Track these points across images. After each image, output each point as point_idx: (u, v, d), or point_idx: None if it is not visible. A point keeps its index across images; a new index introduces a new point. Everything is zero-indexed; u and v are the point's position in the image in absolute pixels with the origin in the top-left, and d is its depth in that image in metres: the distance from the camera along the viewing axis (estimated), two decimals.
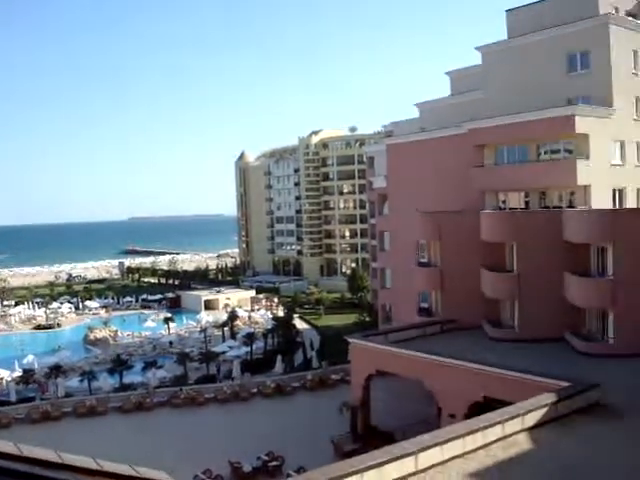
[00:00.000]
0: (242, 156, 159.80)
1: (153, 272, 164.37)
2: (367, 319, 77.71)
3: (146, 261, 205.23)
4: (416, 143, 54.81)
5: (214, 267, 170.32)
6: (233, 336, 77.23)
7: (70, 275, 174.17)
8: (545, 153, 45.66)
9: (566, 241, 38.13)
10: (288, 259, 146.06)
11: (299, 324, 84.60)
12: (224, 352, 67.91)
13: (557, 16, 46.84)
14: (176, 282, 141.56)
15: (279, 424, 45.43)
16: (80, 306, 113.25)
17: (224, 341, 74.82)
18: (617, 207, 43.59)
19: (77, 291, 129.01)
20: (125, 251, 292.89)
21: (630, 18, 47.22)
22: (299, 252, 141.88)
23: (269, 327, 76.92)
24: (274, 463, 37.49)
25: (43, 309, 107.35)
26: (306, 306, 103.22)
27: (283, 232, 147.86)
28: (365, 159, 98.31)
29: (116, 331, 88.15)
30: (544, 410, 22.49)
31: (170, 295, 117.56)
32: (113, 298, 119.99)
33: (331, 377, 55.43)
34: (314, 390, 53.82)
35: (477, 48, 52.55)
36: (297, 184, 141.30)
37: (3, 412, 48.60)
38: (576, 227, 37.90)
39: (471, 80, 55.40)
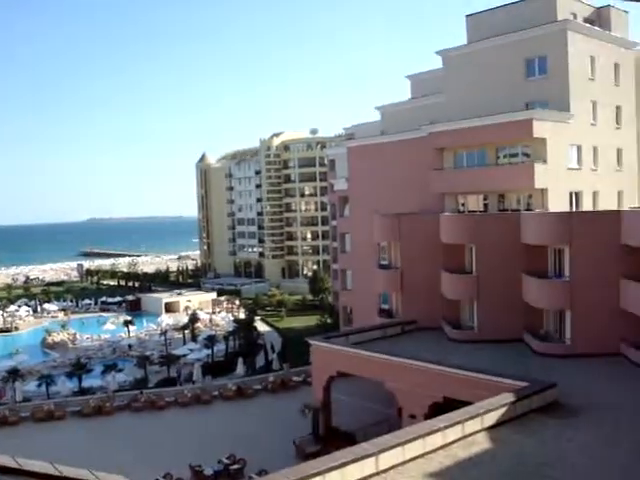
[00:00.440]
0: (203, 158, 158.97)
1: (113, 274, 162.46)
2: (328, 321, 77.88)
3: (106, 263, 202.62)
4: (377, 146, 55.16)
5: (175, 269, 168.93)
6: (194, 339, 76.80)
7: (28, 277, 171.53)
8: (504, 157, 46.28)
9: (524, 243, 38.76)
10: (249, 261, 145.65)
11: (261, 326, 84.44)
12: (185, 355, 67.52)
13: (516, 21, 47.51)
14: (136, 284, 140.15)
15: (241, 427, 45.31)
16: (38, 309, 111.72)
17: (185, 344, 74.38)
18: (574, 210, 44.37)
19: (35, 294, 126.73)
20: (84, 253, 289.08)
21: (587, 24, 48.12)
22: (261, 254, 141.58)
23: (230, 329, 76.56)
24: (236, 466, 37.39)
25: (0, 312, 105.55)
26: (268, 308, 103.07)
27: (244, 234, 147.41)
28: (326, 161, 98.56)
29: (75, 334, 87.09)
30: (503, 410, 22.87)
31: (130, 298, 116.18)
32: (72, 301, 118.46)
33: (293, 379, 55.45)
34: (276, 392, 53.80)
35: (437, 52, 53.06)
36: (258, 186, 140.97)
37: None
38: (534, 229, 38.53)
39: (432, 84, 55.93)
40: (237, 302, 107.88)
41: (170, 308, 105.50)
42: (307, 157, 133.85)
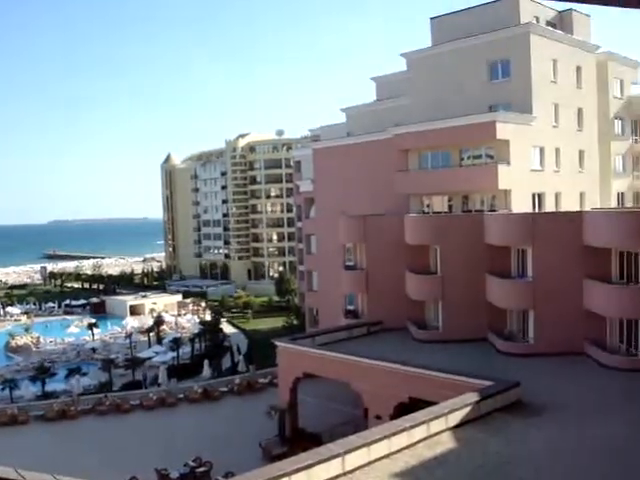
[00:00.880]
0: (168, 159, 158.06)
1: (77, 277, 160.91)
2: (295, 322, 77.94)
3: (69, 266, 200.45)
4: (342, 147, 55.31)
5: (140, 271, 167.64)
6: (159, 341, 76.21)
7: None
8: (467, 158, 46.69)
9: (488, 244, 39.16)
10: (215, 263, 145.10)
11: (227, 328, 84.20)
12: (150, 358, 67.02)
13: (480, 24, 47.95)
14: (100, 287, 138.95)
15: (207, 429, 45.08)
16: (1, 312, 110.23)
17: (150, 346, 73.75)
18: (536, 211, 44.94)
19: None
20: (47, 255, 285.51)
21: (550, 28, 48.78)
22: (226, 256, 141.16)
23: (196, 332, 76.26)
24: (202, 469, 37.17)
25: None
26: (234, 310, 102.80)
27: (210, 236, 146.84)
28: (292, 163, 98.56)
29: (38, 338, 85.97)
30: (467, 409, 23.08)
31: (94, 300, 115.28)
32: (35, 304, 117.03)
33: (259, 381, 55.30)
34: (242, 394, 53.61)
35: (402, 54, 53.34)
36: (224, 187, 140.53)
37: None
38: (497, 230, 38.97)
39: (396, 86, 56.25)
40: (203, 304, 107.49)
41: (135, 311, 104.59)
42: (273, 158, 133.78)
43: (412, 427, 20.74)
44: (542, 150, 46.60)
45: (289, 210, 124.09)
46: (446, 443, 21.11)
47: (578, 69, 49.92)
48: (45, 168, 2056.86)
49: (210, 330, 72.97)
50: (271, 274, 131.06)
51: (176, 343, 68.76)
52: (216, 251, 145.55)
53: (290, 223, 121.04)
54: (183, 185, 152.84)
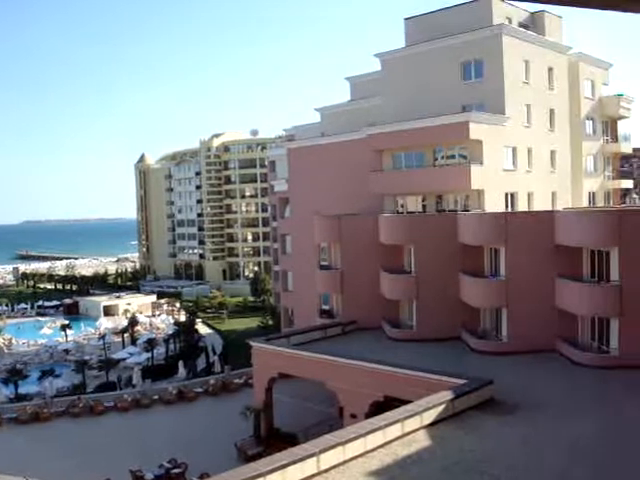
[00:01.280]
0: (142, 158, 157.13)
1: (49, 278, 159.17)
2: (270, 322, 77.94)
3: (42, 266, 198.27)
4: (317, 147, 55.39)
5: (113, 272, 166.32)
6: (133, 342, 75.66)
7: None
8: (441, 158, 46.98)
9: (461, 243, 39.45)
10: (190, 263, 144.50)
11: (202, 329, 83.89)
12: (124, 359, 66.52)
13: (453, 25, 48.26)
14: (74, 288, 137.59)
15: (182, 430, 44.96)
16: None
17: (124, 347, 73.18)
18: (509, 210, 45.34)
19: None
20: (19, 256, 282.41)
21: (522, 29, 49.23)
22: (201, 256, 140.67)
23: (171, 332, 75.89)
24: (177, 470, 37.04)
25: None
26: (209, 310, 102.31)
27: (185, 236, 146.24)
28: (267, 163, 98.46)
29: (10, 339, 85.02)
30: (441, 407, 23.26)
31: (67, 301, 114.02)
32: (7, 305, 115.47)
33: (234, 381, 55.19)
34: (217, 395, 53.49)
35: (376, 55, 53.52)
36: (199, 187, 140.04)
37: None
38: (470, 230, 39.25)
39: (371, 86, 56.42)
40: (177, 304, 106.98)
41: (109, 311, 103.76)
42: (248, 158, 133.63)
43: (387, 425, 20.86)
44: (515, 150, 47.03)
45: (264, 210, 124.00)
46: (421, 441, 21.25)
47: (550, 70, 50.45)
48: (17, 168, 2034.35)
49: (185, 331, 72.68)
50: (246, 274, 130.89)
51: (150, 344, 68.33)
52: (191, 251, 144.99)
53: (265, 223, 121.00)
54: (157, 185, 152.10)
